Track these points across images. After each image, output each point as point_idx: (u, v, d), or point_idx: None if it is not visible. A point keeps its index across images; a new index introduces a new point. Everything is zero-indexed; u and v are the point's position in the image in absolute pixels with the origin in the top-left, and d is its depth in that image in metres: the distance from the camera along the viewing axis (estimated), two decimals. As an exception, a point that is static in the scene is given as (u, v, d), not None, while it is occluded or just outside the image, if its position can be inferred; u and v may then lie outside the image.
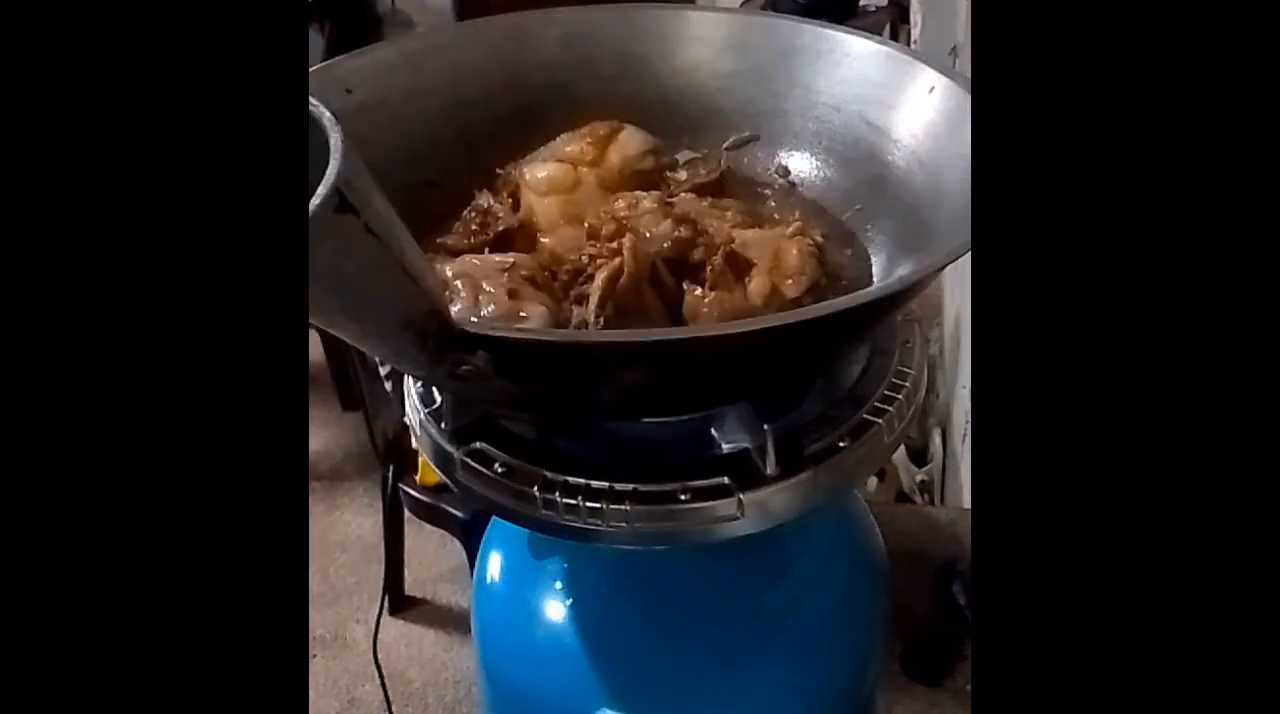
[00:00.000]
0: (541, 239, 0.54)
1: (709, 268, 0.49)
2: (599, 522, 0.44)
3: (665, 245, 0.50)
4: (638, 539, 0.45)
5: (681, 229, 0.51)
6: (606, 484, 0.44)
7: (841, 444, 0.46)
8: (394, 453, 1.53)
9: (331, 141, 0.28)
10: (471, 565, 0.71)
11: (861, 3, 2.38)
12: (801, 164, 0.59)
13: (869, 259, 0.54)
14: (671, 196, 0.55)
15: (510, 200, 0.55)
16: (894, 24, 2.31)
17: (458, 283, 0.46)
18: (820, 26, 0.58)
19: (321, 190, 0.27)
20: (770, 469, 0.44)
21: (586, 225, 0.52)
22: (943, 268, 0.41)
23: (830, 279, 0.52)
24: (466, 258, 0.50)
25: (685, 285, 0.49)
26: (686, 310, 0.48)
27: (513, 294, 0.46)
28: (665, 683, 0.56)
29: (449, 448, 0.48)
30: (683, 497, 0.44)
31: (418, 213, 0.53)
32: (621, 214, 0.51)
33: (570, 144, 0.56)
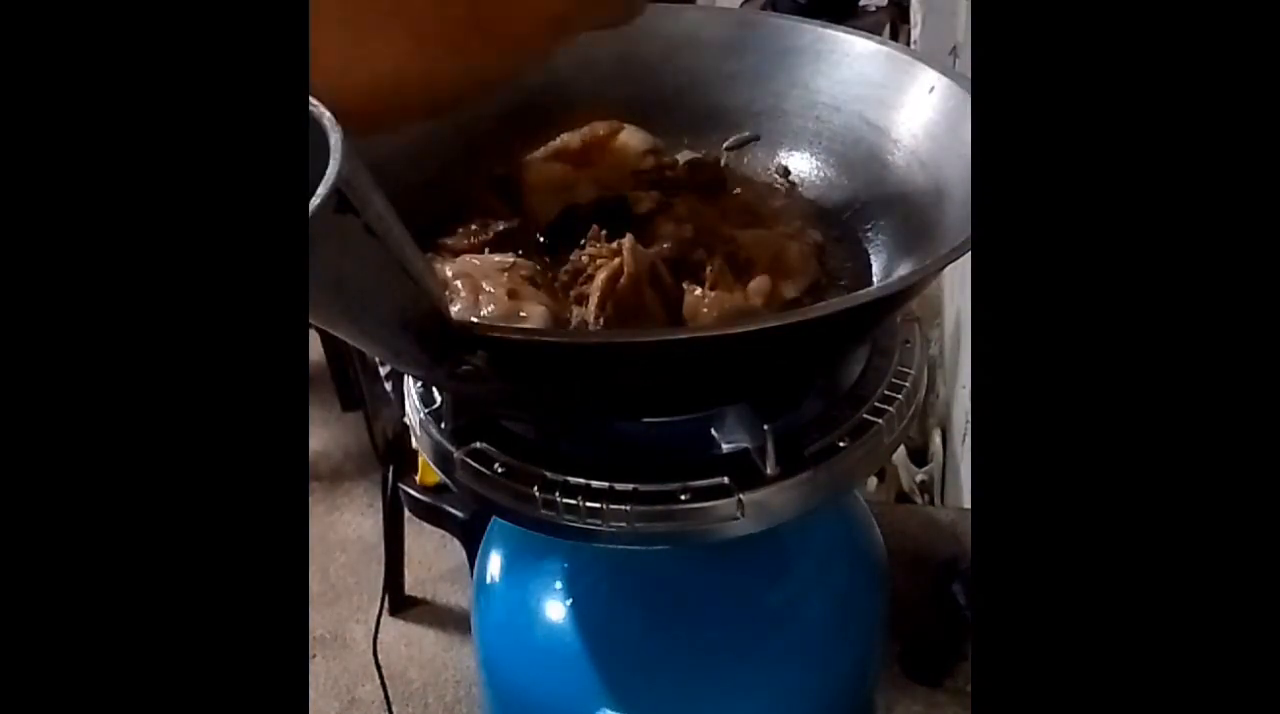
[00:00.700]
0: (540, 239, 0.54)
1: (709, 268, 0.49)
2: (599, 522, 0.44)
3: (665, 245, 0.50)
4: (638, 539, 0.45)
5: (681, 229, 0.51)
6: (606, 484, 0.44)
7: (841, 444, 0.46)
8: (394, 453, 1.53)
9: (331, 141, 0.28)
10: (471, 565, 0.71)
11: (861, 3, 2.38)
12: (801, 164, 0.59)
13: (869, 259, 0.54)
14: (672, 196, 0.55)
15: (510, 200, 0.55)
16: (894, 24, 2.31)
17: (458, 283, 0.46)
18: (820, 26, 0.58)
19: (321, 190, 0.27)
20: (770, 469, 0.44)
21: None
22: (943, 268, 0.41)
23: (830, 279, 0.52)
24: (466, 258, 0.50)
25: (685, 285, 0.49)
26: (686, 310, 0.48)
27: (513, 294, 0.46)
28: (665, 683, 0.56)
29: (449, 448, 0.48)
30: (683, 497, 0.44)
31: (418, 213, 0.53)
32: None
33: (570, 144, 0.56)
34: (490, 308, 0.45)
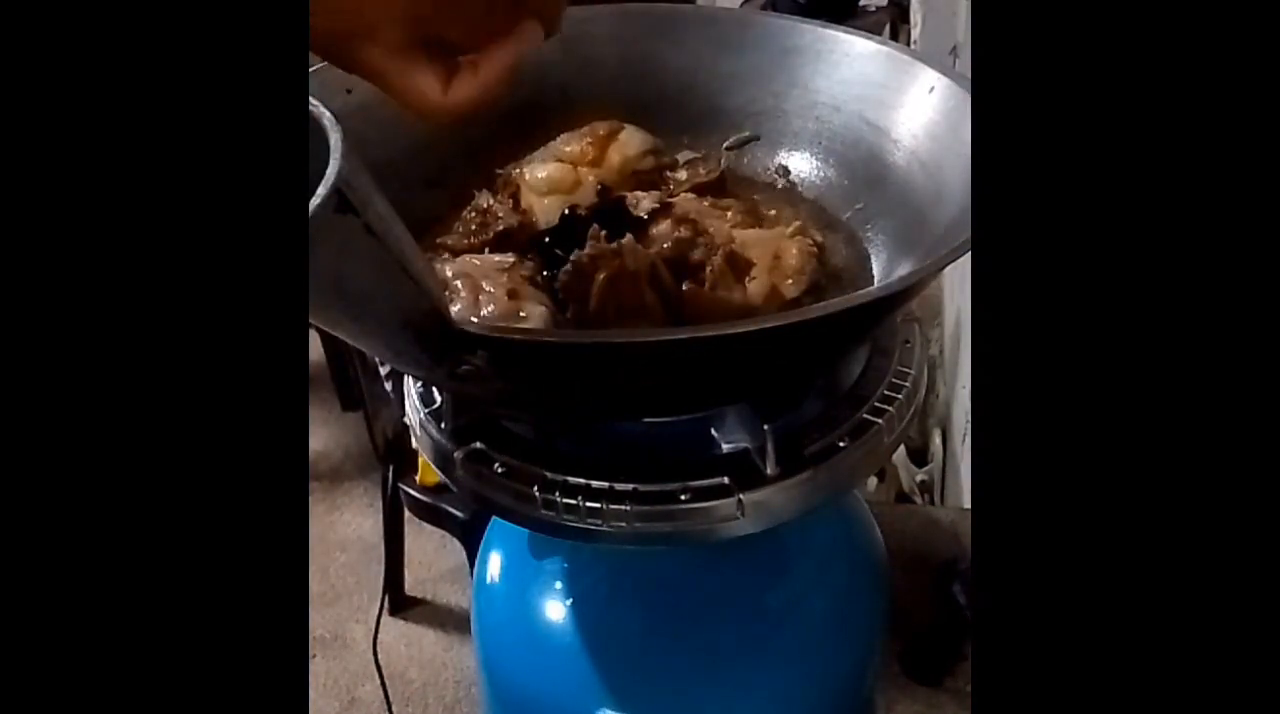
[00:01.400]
0: (541, 239, 0.54)
1: (709, 268, 0.49)
2: (599, 522, 0.44)
3: (665, 245, 0.50)
4: (638, 539, 0.45)
5: (681, 229, 0.51)
6: (606, 484, 0.44)
7: (841, 444, 0.46)
8: (394, 453, 1.53)
9: (331, 141, 0.28)
10: (471, 565, 0.71)
11: (861, 3, 2.38)
12: (801, 164, 0.59)
13: (869, 259, 0.54)
14: (672, 196, 0.55)
15: (510, 200, 0.55)
16: (894, 24, 2.31)
17: (458, 283, 0.47)
18: (820, 26, 0.58)
19: (321, 190, 0.27)
20: (770, 469, 0.44)
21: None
22: (943, 268, 0.41)
23: (830, 279, 0.52)
24: (466, 258, 0.50)
25: (685, 285, 0.49)
26: (686, 310, 0.48)
27: (513, 294, 0.46)
28: (665, 683, 0.56)
29: (449, 448, 0.48)
30: (683, 497, 0.44)
31: (418, 213, 0.53)
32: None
33: (570, 144, 0.56)
34: (490, 308, 0.45)
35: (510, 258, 0.49)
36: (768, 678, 0.56)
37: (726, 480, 0.44)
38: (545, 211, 0.54)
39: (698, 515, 0.44)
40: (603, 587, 0.58)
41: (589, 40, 0.60)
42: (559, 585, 0.58)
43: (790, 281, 0.50)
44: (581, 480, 0.45)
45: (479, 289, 0.46)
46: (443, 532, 1.58)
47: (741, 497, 0.44)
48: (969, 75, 0.46)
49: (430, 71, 0.37)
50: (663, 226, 0.51)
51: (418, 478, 1.49)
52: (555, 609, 0.57)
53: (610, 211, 0.53)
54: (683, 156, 0.59)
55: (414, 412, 0.51)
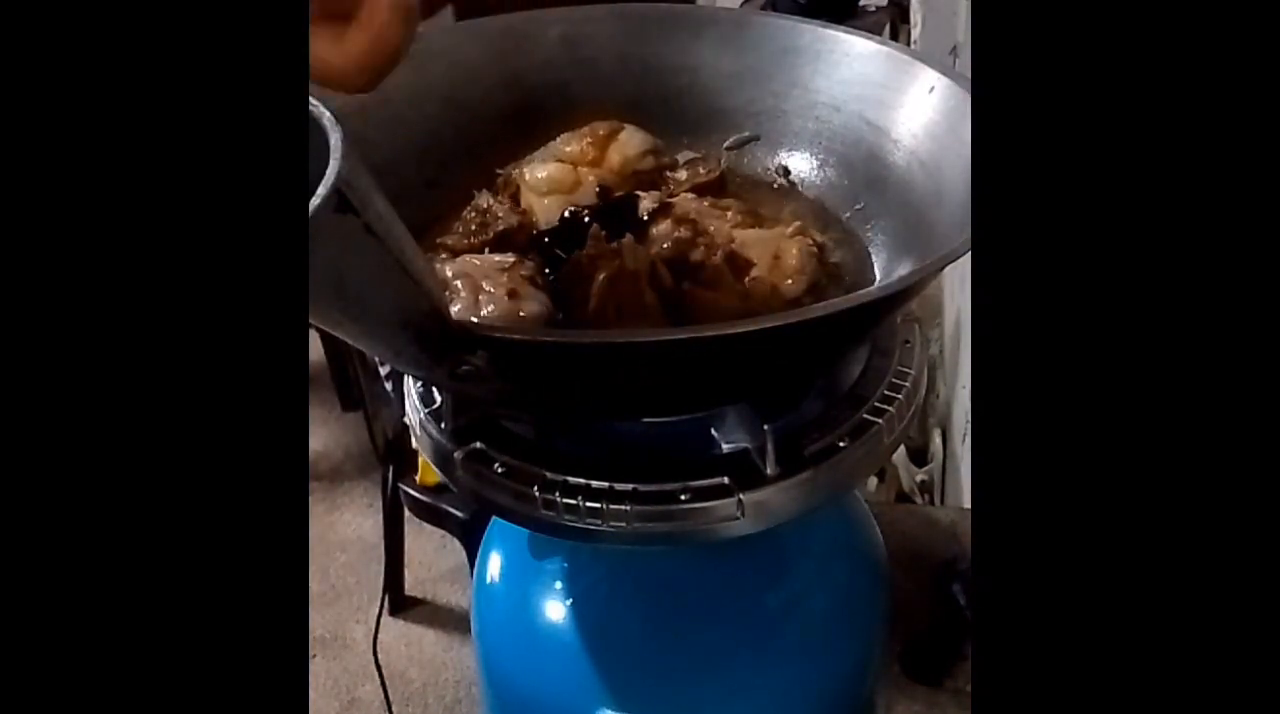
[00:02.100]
0: (541, 239, 0.54)
1: (709, 268, 0.49)
2: (599, 522, 0.44)
3: (665, 245, 0.50)
4: (638, 539, 0.45)
5: (681, 229, 0.51)
6: (606, 484, 0.44)
7: (841, 444, 0.46)
8: (394, 453, 1.53)
9: (331, 141, 0.28)
10: (471, 565, 0.71)
11: (861, 3, 2.38)
12: (801, 164, 0.59)
13: (869, 259, 0.54)
14: (672, 196, 0.55)
15: (510, 200, 0.55)
16: (894, 24, 2.31)
17: (458, 283, 0.47)
18: (820, 26, 0.58)
19: (321, 190, 0.27)
20: (770, 469, 0.44)
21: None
22: (943, 268, 0.41)
23: (830, 279, 0.52)
24: (466, 258, 0.50)
25: (685, 285, 0.49)
26: (686, 310, 0.48)
27: (513, 294, 0.46)
28: (665, 683, 0.56)
29: (449, 448, 0.48)
30: (683, 497, 0.44)
31: (418, 213, 0.53)
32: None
33: (570, 144, 0.56)
34: (490, 308, 0.45)
35: (510, 258, 0.49)
36: (768, 678, 0.56)
37: (726, 480, 0.44)
38: (545, 211, 0.54)
39: (698, 515, 0.44)
40: (603, 587, 0.58)
41: (589, 40, 0.60)
42: (559, 585, 0.58)
43: (790, 281, 0.50)
44: (581, 480, 0.45)
45: (479, 289, 0.46)
46: (443, 532, 1.59)
47: (741, 497, 0.44)
48: (969, 75, 0.46)
49: (320, 36, 0.35)
50: (663, 226, 0.51)
51: (418, 478, 1.49)
52: (555, 609, 0.57)
53: (612, 211, 0.53)
54: (683, 156, 0.59)
55: (414, 412, 0.51)
